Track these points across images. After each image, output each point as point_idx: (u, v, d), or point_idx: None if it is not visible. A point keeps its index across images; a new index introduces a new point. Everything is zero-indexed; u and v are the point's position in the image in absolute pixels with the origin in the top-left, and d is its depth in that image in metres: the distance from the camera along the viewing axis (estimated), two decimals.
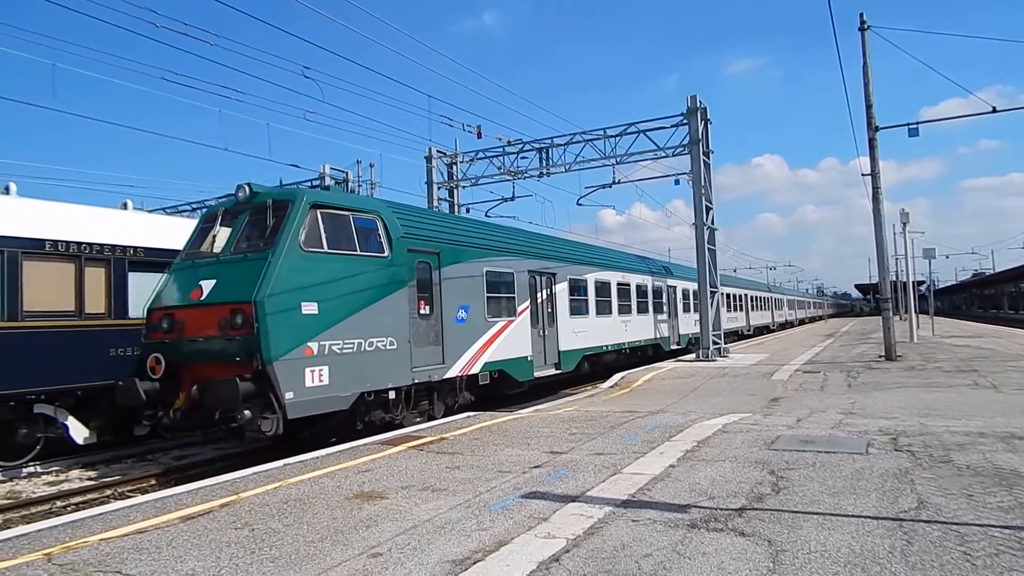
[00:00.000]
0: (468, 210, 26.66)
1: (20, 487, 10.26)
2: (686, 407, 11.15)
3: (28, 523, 6.86)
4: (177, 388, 9.28)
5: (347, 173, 25.87)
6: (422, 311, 11.47)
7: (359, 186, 26.24)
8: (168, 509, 5.93)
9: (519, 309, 14.45)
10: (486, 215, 26.22)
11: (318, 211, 9.85)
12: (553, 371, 15.77)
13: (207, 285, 9.62)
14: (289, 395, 8.82)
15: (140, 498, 6.61)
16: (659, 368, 18.88)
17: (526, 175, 24.33)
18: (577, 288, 17.57)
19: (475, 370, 12.68)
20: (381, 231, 10.76)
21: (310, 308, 9.26)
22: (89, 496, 9.51)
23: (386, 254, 10.71)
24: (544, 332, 15.58)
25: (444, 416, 11.88)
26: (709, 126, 21.17)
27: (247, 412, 8.88)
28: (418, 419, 11.58)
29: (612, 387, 15.25)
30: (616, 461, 7.02)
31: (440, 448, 8.35)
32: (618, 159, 22.57)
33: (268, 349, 8.68)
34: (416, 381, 11.06)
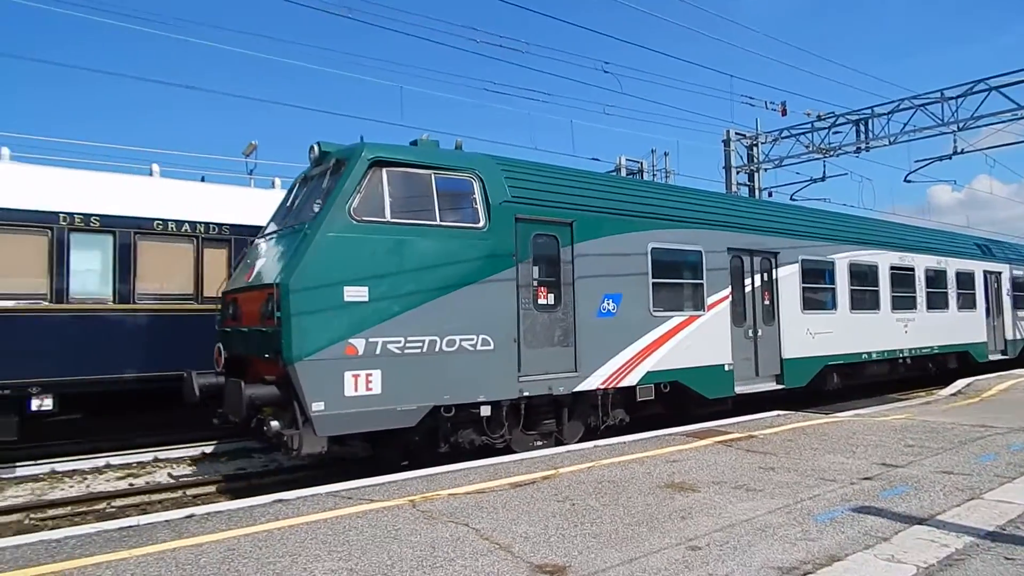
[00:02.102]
0: (771, 194, 25.23)
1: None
2: None
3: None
4: None
5: (641, 163, 26.01)
6: (541, 301, 8.66)
7: (653, 175, 26.19)
8: (499, 475, 6.73)
9: (710, 300, 10.71)
10: (791, 198, 23.94)
11: (383, 170, 7.69)
12: (766, 385, 11.57)
13: (258, 264, 8.13)
14: (318, 406, 6.85)
15: (477, 462, 7.43)
16: (1019, 376, 15.85)
17: (839, 152, 22.20)
18: (816, 273, 12.92)
19: (629, 381, 9.45)
20: (477, 194, 8.18)
21: (357, 294, 7.15)
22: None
23: (480, 224, 8.14)
24: (755, 332, 11.52)
25: (582, 440, 8.93)
26: None
27: (274, 424, 7.11)
28: (539, 442, 8.80)
29: (954, 395, 13.13)
30: (972, 484, 6.19)
31: (750, 446, 8.10)
32: (961, 124, 19.27)
33: (289, 346, 6.81)
34: (526, 394, 8.33)
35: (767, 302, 11.89)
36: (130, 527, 5.18)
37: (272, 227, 8.75)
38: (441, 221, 7.97)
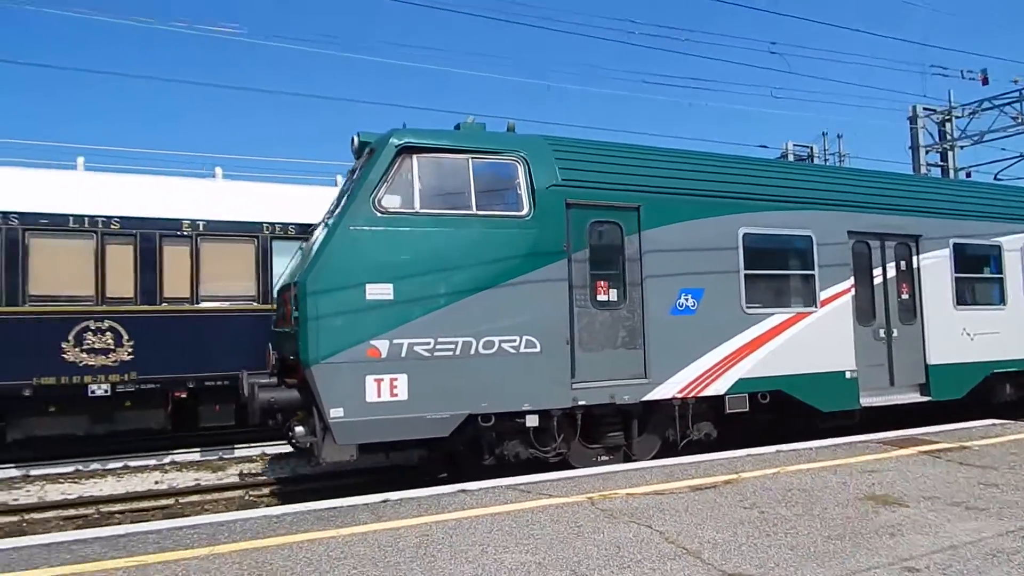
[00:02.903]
0: (968, 174, 22.87)
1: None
2: None
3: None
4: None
5: (811, 148, 24.87)
6: (601, 297, 7.66)
7: (825, 159, 25.00)
8: (676, 477, 6.60)
9: (824, 295, 9.06)
10: (995, 178, 21.43)
11: (413, 156, 7.12)
12: (905, 396, 9.60)
13: (294, 262, 7.89)
14: (337, 412, 6.41)
15: (652, 463, 7.39)
16: None
17: None
18: (974, 259, 10.64)
19: (715, 389, 8.16)
20: (521, 179, 7.36)
21: (380, 292, 6.64)
22: None
23: (523, 212, 7.31)
24: (888, 332, 9.61)
25: (657, 457, 7.81)
26: None
27: (299, 429, 6.77)
28: (604, 457, 7.79)
29: None
30: None
31: (963, 458, 7.40)
32: None
33: (306, 347, 6.45)
34: (581, 403, 7.35)
35: (904, 296, 9.86)
36: (335, 507, 5.73)
37: (319, 222, 8.50)
38: (477, 210, 7.24)
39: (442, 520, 5.29)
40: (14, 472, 9.79)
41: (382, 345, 6.66)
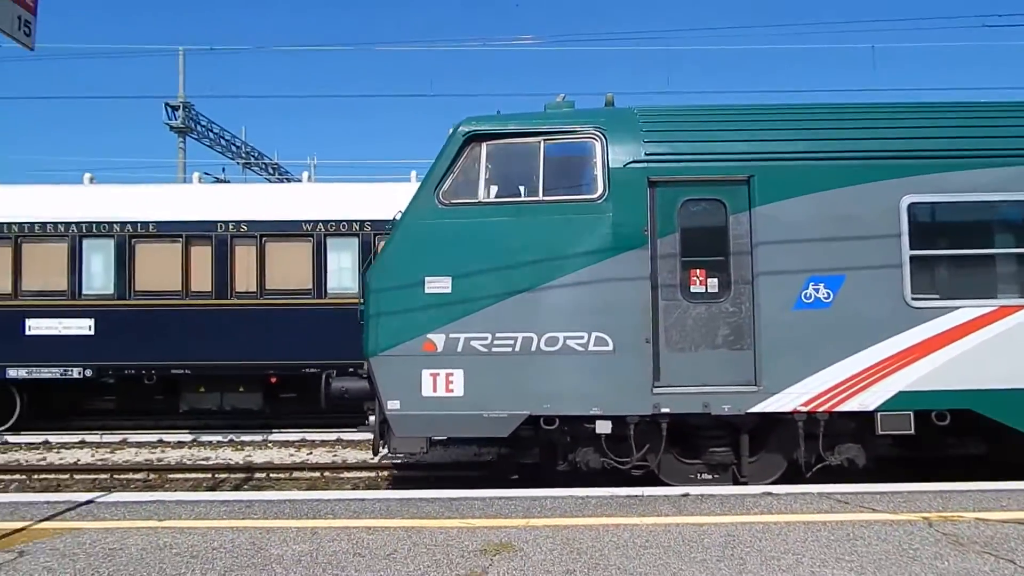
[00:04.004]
0: None
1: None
2: None
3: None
4: None
5: None
6: (696, 288, 6.64)
7: None
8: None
9: None
10: None
11: (481, 145, 6.91)
12: None
13: None
14: (394, 404, 6.60)
15: (1005, 484, 6.31)
16: None
17: None
18: None
19: (861, 403, 6.55)
20: (598, 157, 6.68)
21: (439, 285, 6.63)
22: None
23: (596, 195, 6.61)
24: None
25: (778, 483, 6.62)
26: None
27: (371, 419, 7.11)
28: (706, 475, 6.80)
29: None
30: None
31: None
32: None
33: (367, 339, 6.76)
34: (665, 410, 6.43)
35: None
36: (636, 496, 5.96)
37: None
38: (545, 196, 6.74)
39: (748, 522, 5.16)
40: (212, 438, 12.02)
41: (438, 339, 6.59)
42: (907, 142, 6.71)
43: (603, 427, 6.61)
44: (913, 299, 6.55)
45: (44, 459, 10.91)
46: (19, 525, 5.32)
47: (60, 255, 11.94)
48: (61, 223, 11.98)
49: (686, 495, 5.96)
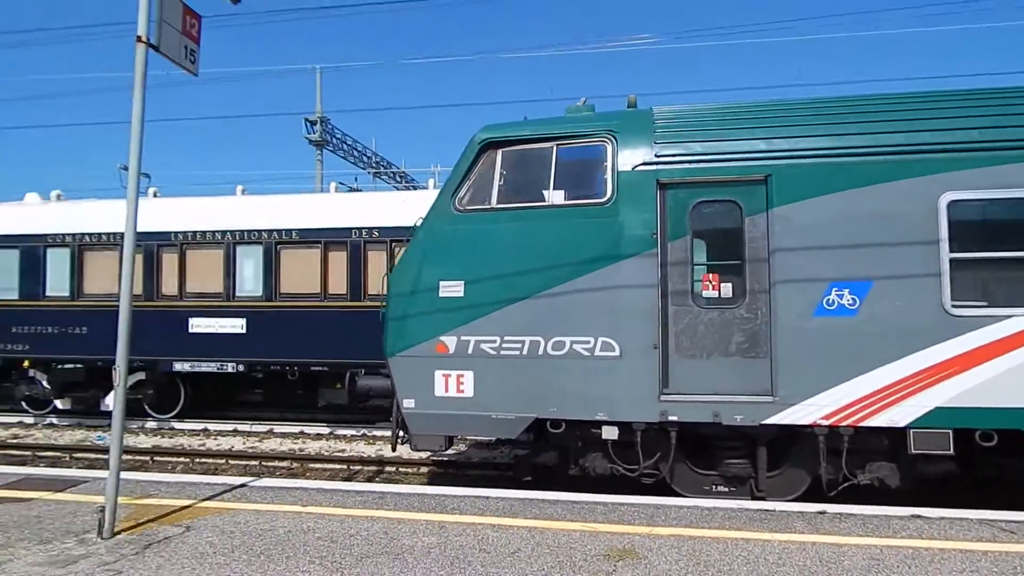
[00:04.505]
0: None
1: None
2: None
3: None
4: None
5: None
6: (708, 293, 6.46)
7: None
8: None
9: None
10: None
11: (497, 151, 7.12)
12: None
13: None
14: (409, 403, 6.96)
15: None
16: None
17: None
18: None
19: (890, 419, 6.07)
20: (608, 160, 6.67)
21: (452, 289, 6.93)
22: None
23: (605, 199, 6.60)
24: None
25: (800, 500, 6.33)
26: None
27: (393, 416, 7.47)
28: (722, 487, 6.60)
29: None
30: None
31: None
32: None
33: (386, 340, 7.10)
34: (673, 418, 6.31)
35: None
36: (767, 510, 5.76)
37: None
38: (553, 200, 6.80)
39: (894, 545, 4.89)
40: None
41: (450, 341, 6.84)
42: (947, 134, 6.09)
43: (609, 433, 6.56)
44: (954, 307, 5.95)
45: (203, 444, 12.24)
46: (186, 503, 6.06)
47: (217, 261, 13.23)
48: (218, 231, 13.27)
49: (822, 512, 5.66)
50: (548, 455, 7.20)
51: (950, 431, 5.94)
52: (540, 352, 6.64)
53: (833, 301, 6.16)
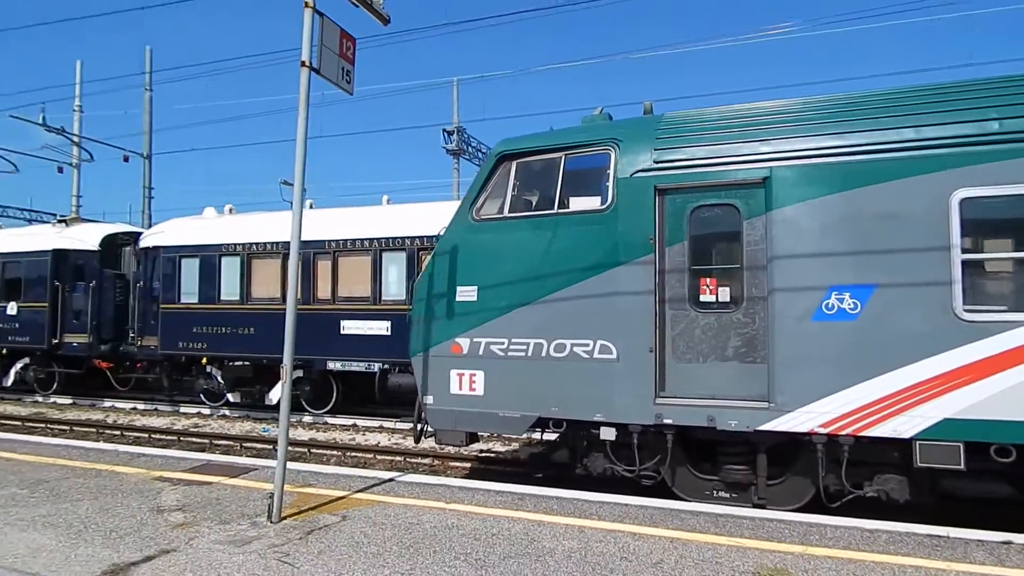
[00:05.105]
0: None
1: None
2: None
3: None
4: None
5: None
6: (705, 297, 6.51)
7: None
8: None
9: None
10: None
11: (511, 163, 7.53)
12: None
13: None
14: (429, 399, 7.55)
15: None
16: None
17: None
18: None
19: (894, 429, 5.81)
20: (611, 169, 6.90)
21: (467, 294, 7.44)
22: None
23: (604, 206, 6.82)
24: None
25: (804, 510, 6.26)
26: None
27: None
28: (723, 493, 6.63)
29: None
30: None
31: None
32: None
33: (410, 341, 7.73)
34: (667, 421, 6.42)
35: None
36: (938, 536, 5.32)
37: None
38: (559, 208, 7.06)
39: None
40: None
41: (464, 342, 7.29)
42: (958, 127, 5.70)
43: (607, 433, 6.71)
44: (963, 312, 5.57)
45: (353, 439, 12.82)
46: (341, 494, 6.53)
47: (365, 267, 14.15)
48: (366, 239, 14.21)
49: (1008, 543, 5.10)
50: (561, 452, 7.45)
51: (960, 444, 5.57)
52: (543, 354, 6.92)
53: (833, 305, 5.96)
